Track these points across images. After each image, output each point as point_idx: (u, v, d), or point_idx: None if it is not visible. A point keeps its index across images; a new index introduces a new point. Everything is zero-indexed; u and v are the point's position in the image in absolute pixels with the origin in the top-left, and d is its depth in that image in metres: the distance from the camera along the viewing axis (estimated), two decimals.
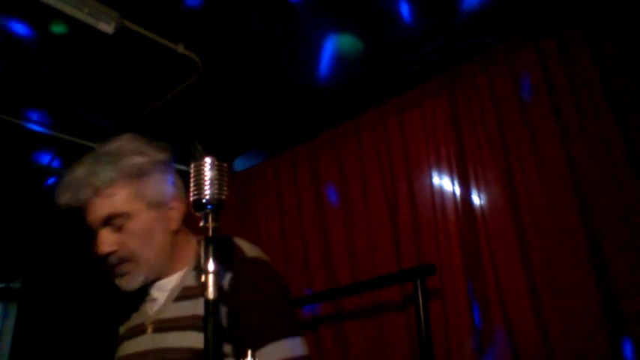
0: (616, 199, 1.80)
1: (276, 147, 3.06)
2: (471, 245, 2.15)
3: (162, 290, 1.20)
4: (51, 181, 3.47)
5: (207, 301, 0.86)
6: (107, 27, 2.01)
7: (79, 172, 1.19)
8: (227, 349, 1.07)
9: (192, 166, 0.93)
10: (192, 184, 0.92)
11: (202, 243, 0.90)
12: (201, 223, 0.91)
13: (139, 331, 1.19)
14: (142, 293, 1.24)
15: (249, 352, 0.87)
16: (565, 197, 1.93)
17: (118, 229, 1.15)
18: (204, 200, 0.90)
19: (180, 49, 2.25)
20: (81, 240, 4.04)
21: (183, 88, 2.51)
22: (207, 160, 0.92)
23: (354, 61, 2.44)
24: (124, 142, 1.29)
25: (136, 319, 1.23)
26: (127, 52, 2.28)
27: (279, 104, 2.77)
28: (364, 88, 2.63)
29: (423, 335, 1.82)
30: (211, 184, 0.90)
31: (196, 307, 1.10)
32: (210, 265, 0.88)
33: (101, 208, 1.15)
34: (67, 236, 4.12)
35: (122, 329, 1.28)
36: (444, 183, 2.30)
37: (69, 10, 1.93)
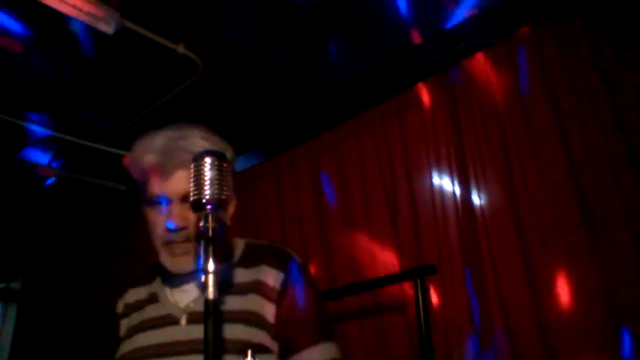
0: (616, 198, 1.80)
1: (276, 147, 3.06)
2: (471, 245, 2.15)
3: (197, 282, 1.19)
4: (50, 181, 3.47)
5: (207, 301, 0.86)
6: (107, 27, 2.01)
7: (172, 140, 1.18)
8: (273, 346, 1.11)
9: (192, 166, 0.93)
10: (192, 184, 0.92)
11: (202, 243, 0.90)
12: (201, 223, 0.91)
13: (167, 322, 1.17)
14: (161, 285, 1.24)
15: (249, 352, 0.87)
16: (565, 197, 1.93)
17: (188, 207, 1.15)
18: (204, 200, 0.90)
19: (180, 49, 2.25)
20: (81, 240, 4.04)
21: (183, 88, 2.51)
22: (207, 160, 0.92)
23: (354, 61, 2.44)
24: (208, 132, 1.28)
25: (157, 311, 1.21)
26: (127, 52, 2.28)
27: (279, 104, 2.77)
28: (364, 88, 2.63)
29: (423, 335, 1.82)
30: (211, 184, 0.90)
31: (239, 302, 1.13)
32: (210, 265, 0.88)
33: (188, 181, 1.13)
34: (67, 236, 4.12)
35: (132, 320, 1.25)
36: (444, 183, 2.30)
37: (69, 10, 1.93)
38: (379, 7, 2.11)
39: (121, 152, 3.02)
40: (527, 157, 2.05)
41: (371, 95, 2.65)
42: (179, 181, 1.15)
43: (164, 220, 1.16)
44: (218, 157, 0.93)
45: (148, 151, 1.19)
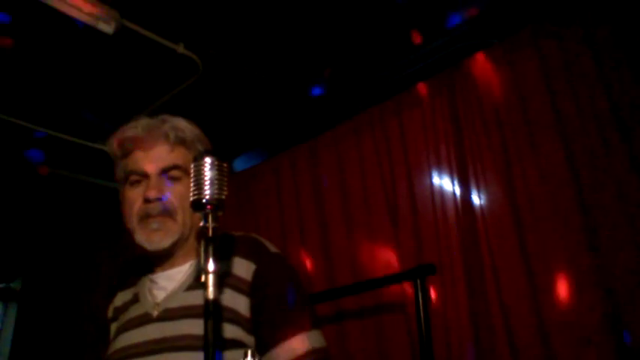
0: (616, 198, 1.80)
1: (276, 147, 3.06)
2: (470, 245, 2.15)
3: (172, 280, 1.19)
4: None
5: (207, 301, 0.86)
6: (107, 27, 2.01)
7: (156, 120, 1.23)
8: (249, 341, 1.09)
9: (192, 166, 0.93)
10: (192, 184, 0.92)
11: (202, 243, 0.90)
12: (201, 223, 0.91)
13: (144, 320, 1.16)
14: (143, 284, 1.24)
15: (249, 352, 0.87)
16: (565, 197, 1.93)
17: (172, 180, 1.17)
18: (204, 200, 0.90)
19: (180, 49, 2.25)
20: (81, 240, 4.04)
21: (183, 88, 2.51)
22: (207, 160, 0.92)
23: (354, 62, 2.44)
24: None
25: (137, 310, 1.21)
26: (127, 52, 2.28)
27: (279, 104, 2.77)
28: (364, 88, 2.63)
29: (423, 335, 1.82)
30: (211, 184, 0.90)
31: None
32: (210, 265, 0.88)
33: (168, 155, 1.18)
34: (67, 236, 4.12)
35: (119, 322, 1.26)
36: (444, 183, 2.30)
37: (69, 10, 1.93)
38: (379, 6, 2.12)
39: None
40: (527, 157, 2.05)
41: (371, 95, 2.65)
42: (159, 154, 1.18)
43: (141, 194, 1.16)
44: (218, 157, 0.93)
45: (131, 127, 1.23)
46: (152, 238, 1.16)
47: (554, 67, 2.04)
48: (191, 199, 0.91)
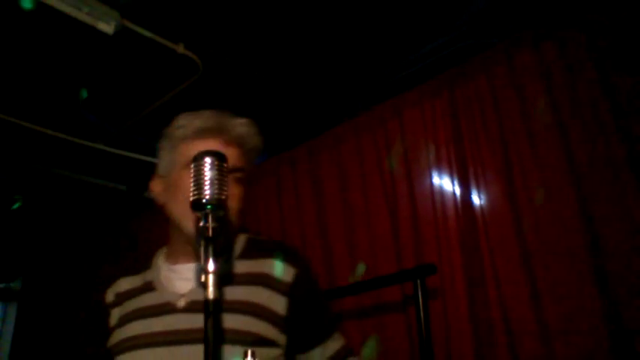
0: (616, 198, 1.80)
1: (276, 147, 3.06)
2: (470, 245, 2.15)
3: (194, 272, 1.18)
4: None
5: (207, 301, 0.86)
6: (107, 27, 2.01)
7: (232, 118, 1.25)
8: (279, 339, 1.11)
9: (192, 166, 0.93)
10: (192, 184, 0.92)
11: (202, 243, 0.90)
12: (201, 223, 0.91)
13: (166, 310, 1.15)
14: (158, 272, 1.23)
15: (249, 352, 0.87)
16: (565, 197, 1.93)
17: (233, 182, 1.16)
18: (204, 200, 0.90)
19: (180, 49, 2.25)
20: (81, 240, 4.04)
21: (183, 88, 2.51)
22: (207, 160, 0.92)
23: (354, 61, 2.44)
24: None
25: (154, 299, 1.19)
26: (127, 52, 2.28)
27: (279, 104, 2.77)
28: (364, 88, 2.63)
29: (423, 335, 1.82)
30: (211, 184, 0.90)
31: (240, 292, 1.13)
32: (210, 265, 0.88)
33: (238, 156, 1.20)
34: (67, 236, 4.12)
35: (125, 308, 1.24)
36: (444, 183, 2.30)
37: (69, 10, 1.93)
38: (379, 6, 2.12)
39: (121, 152, 3.02)
40: (527, 157, 2.05)
41: (371, 95, 2.65)
42: (231, 155, 1.17)
43: None
44: (218, 157, 0.93)
45: (207, 116, 1.23)
46: (205, 230, 1.16)
47: (554, 67, 2.04)
48: (191, 199, 0.91)
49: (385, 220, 2.46)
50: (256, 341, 1.08)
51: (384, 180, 2.51)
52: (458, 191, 2.24)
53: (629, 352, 1.68)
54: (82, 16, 1.95)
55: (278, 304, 1.13)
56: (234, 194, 1.16)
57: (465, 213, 2.19)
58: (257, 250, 1.22)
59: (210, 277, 0.87)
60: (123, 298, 1.26)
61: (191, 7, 2.08)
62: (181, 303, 1.14)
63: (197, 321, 1.07)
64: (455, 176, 2.26)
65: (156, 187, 1.26)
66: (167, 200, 1.21)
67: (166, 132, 1.27)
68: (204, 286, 0.87)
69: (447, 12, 2.17)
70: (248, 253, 1.22)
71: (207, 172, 0.91)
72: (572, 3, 2.03)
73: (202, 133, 1.20)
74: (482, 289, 2.07)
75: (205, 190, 0.90)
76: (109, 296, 1.31)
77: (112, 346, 1.18)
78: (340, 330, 1.22)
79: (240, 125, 1.25)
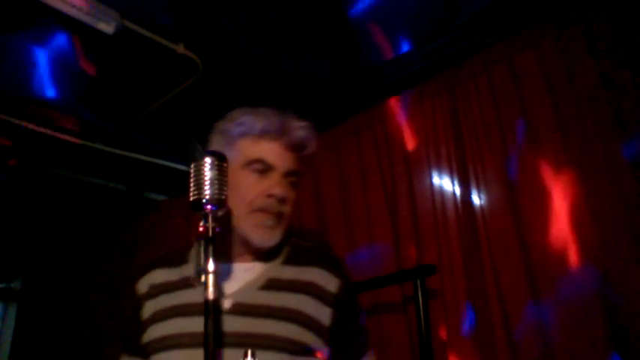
0: (616, 198, 1.80)
1: None
2: (470, 245, 2.15)
3: (241, 273, 1.16)
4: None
5: (207, 301, 0.86)
6: (107, 27, 2.01)
7: (298, 122, 1.25)
8: (322, 350, 1.10)
9: (192, 166, 0.93)
10: (192, 184, 0.92)
11: (202, 243, 0.90)
12: (201, 223, 0.91)
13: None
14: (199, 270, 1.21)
15: (249, 352, 0.87)
16: (565, 197, 1.93)
17: (290, 185, 1.17)
18: (204, 200, 0.90)
19: (180, 49, 2.25)
20: (81, 240, 4.04)
21: (183, 88, 2.51)
22: (207, 160, 0.92)
23: (354, 61, 2.44)
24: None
25: (193, 296, 1.13)
26: (127, 52, 2.28)
27: (279, 104, 2.77)
28: (364, 87, 2.63)
29: (423, 335, 1.82)
30: (211, 184, 0.90)
31: (290, 300, 1.11)
32: (210, 265, 0.88)
33: (298, 161, 1.20)
34: (67, 236, 4.13)
35: (161, 302, 1.18)
36: (444, 183, 2.30)
37: (69, 9, 1.92)
38: (379, 6, 2.11)
39: (121, 152, 3.02)
40: (527, 157, 2.05)
41: (371, 95, 2.65)
42: (292, 156, 1.19)
43: (266, 186, 1.14)
44: (218, 157, 0.94)
45: (272, 116, 1.22)
46: (264, 233, 1.14)
47: (554, 66, 2.04)
48: (191, 199, 0.92)
49: (385, 220, 2.46)
50: (302, 351, 1.07)
51: (384, 180, 2.51)
52: (458, 191, 2.24)
53: (630, 350, 1.68)
54: (82, 16, 1.95)
55: (323, 314, 1.12)
56: (290, 198, 1.16)
57: (465, 213, 2.19)
58: (303, 256, 1.21)
59: (210, 277, 0.87)
60: (158, 290, 1.20)
61: (191, 7, 2.08)
62: (226, 304, 1.11)
63: (244, 325, 1.08)
64: (455, 176, 2.26)
65: None
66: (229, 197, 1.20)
67: (221, 126, 1.25)
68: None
69: (447, 12, 2.16)
70: (294, 259, 1.20)
71: (207, 172, 0.91)
72: (572, 3, 2.03)
73: (265, 134, 1.19)
74: (482, 288, 2.07)
75: (205, 190, 0.90)
76: (142, 287, 1.24)
77: (148, 342, 1.13)
78: (371, 348, 1.21)
79: (302, 129, 1.24)
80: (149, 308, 1.19)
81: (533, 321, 1.91)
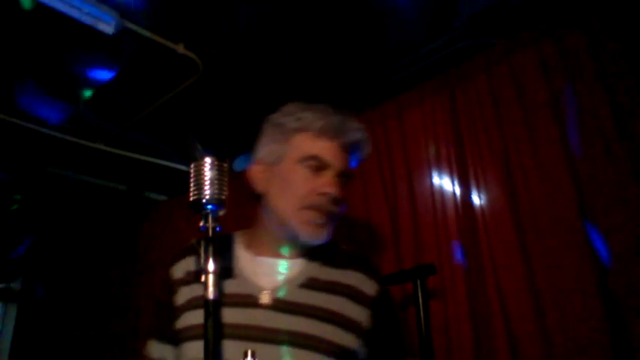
0: (616, 199, 1.80)
1: None
2: (471, 245, 2.15)
3: (283, 268, 1.16)
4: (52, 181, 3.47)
5: (207, 301, 0.86)
6: (107, 27, 2.01)
7: (356, 124, 1.22)
8: (362, 353, 1.10)
9: (192, 166, 0.93)
10: (191, 184, 0.92)
11: (202, 243, 0.90)
12: (201, 224, 0.92)
13: (249, 302, 1.10)
14: (238, 260, 1.18)
15: (249, 352, 0.87)
16: (565, 197, 1.93)
17: (344, 185, 1.17)
18: (204, 200, 0.90)
19: (180, 49, 2.25)
20: (81, 240, 4.04)
21: (183, 88, 2.51)
22: (207, 160, 0.92)
23: (354, 61, 2.44)
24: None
25: (233, 287, 1.12)
26: (127, 52, 2.28)
27: (279, 104, 2.77)
28: (364, 88, 2.63)
29: (423, 335, 1.82)
30: (211, 184, 0.91)
31: (330, 302, 1.11)
32: (210, 265, 0.88)
33: (351, 163, 1.20)
34: (67, 236, 4.13)
35: (196, 291, 1.15)
36: (444, 183, 2.30)
37: (69, 9, 1.92)
38: (379, 7, 2.12)
39: (121, 152, 3.02)
40: (528, 157, 2.05)
41: (371, 95, 2.65)
42: (348, 157, 1.18)
43: (319, 184, 1.13)
44: (218, 157, 0.94)
45: (322, 115, 1.20)
46: (314, 231, 1.13)
47: (554, 67, 2.04)
48: (191, 199, 0.92)
49: (385, 220, 2.46)
50: (342, 353, 1.06)
51: (384, 180, 2.51)
52: (458, 191, 2.24)
53: (629, 347, 1.68)
54: (82, 16, 1.95)
55: (362, 316, 1.12)
56: (342, 198, 1.16)
57: (465, 213, 2.19)
58: (343, 259, 1.21)
59: (210, 277, 0.87)
60: (194, 277, 1.17)
61: (191, 7, 2.08)
62: (265, 299, 1.10)
63: (284, 321, 1.07)
64: (455, 176, 2.26)
65: (257, 174, 1.22)
66: (269, 190, 1.18)
67: (276, 119, 1.25)
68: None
69: (447, 12, 2.17)
70: (335, 261, 1.20)
71: (207, 172, 0.91)
72: (572, 3, 2.03)
73: (323, 132, 1.17)
74: (482, 288, 2.07)
75: (205, 190, 0.90)
76: (178, 272, 1.22)
77: (181, 329, 1.11)
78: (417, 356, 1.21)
79: (357, 130, 1.22)
80: (184, 294, 1.16)
81: (533, 320, 1.91)
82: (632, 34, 1.86)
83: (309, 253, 1.18)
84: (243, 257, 1.19)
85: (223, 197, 0.92)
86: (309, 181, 1.14)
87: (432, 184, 2.33)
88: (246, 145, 3.25)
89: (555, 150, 1.98)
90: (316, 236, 1.13)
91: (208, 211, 0.91)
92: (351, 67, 2.50)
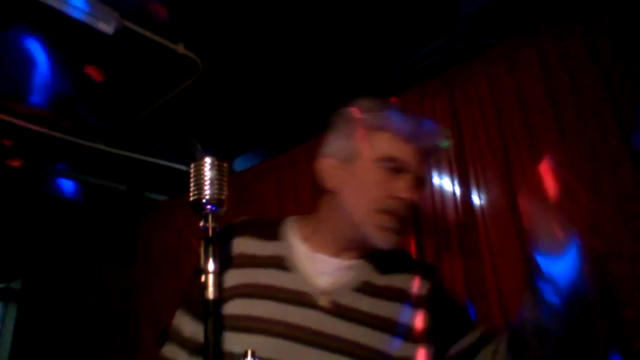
0: (616, 199, 1.80)
1: (276, 147, 3.06)
2: (471, 245, 2.15)
3: (338, 269, 1.10)
4: (53, 181, 3.47)
5: (207, 301, 0.86)
6: (107, 27, 2.01)
7: (437, 128, 1.18)
8: (414, 353, 1.06)
9: (192, 166, 0.93)
10: (191, 184, 0.92)
11: (202, 243, 0.90)
12: (201, 224, 0.92)
13: (305, 302, 1.04)
14: (293, 252, 1.12)
15: (249, 352, 0.87)
16: (565, 197, 1.92)
17: (418, 190, 1.12)
18: (204, 200, 0.90)
19: (180, 49, 2.25)
20: (81, 240, 4.04)
21: (183, 88, 2.51)
22: (207, 160, 0.92)
23: (354, 61, 2.44)
24: None
25: (288, 282, 1.06)
26: (127, 52, 2.28)
27: (279, 104, 2.77)
28: (364, 88, 2.63)
29: None
30: (211, 184, 0.91)
31: (383, 308, 1.07)
32: (210, 265, 0.88)
33: (427, 171, 1.17)
34: (67, 236, 4.13)
35: (248, 276, 1.08)
36: (444, 183, 2.30)
37: (69, 10, 1.92)
38: (378, 7, 2.12)
39: (121, 152, 3.02)
40: (527, 157, 2.05)
41: (371, 95, 2.64)
42: (423, 166, 1.12)
43: (396, 188, 1.07)
44: (218, 157, 0.94)
45: (404, 116, 1.14)
46: (386, 236, 1.07)
47: (554, 66, 2.04)
48: (191, 199, 0.92)
49: None
50: None
51: None
52: (458, 191, 2.24)
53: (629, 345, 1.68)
54: (82, 15, 1.95)
55: (418, 320, 1.08)
56: (416, 204, 1.11)
57: (465, 213, 2.19)
58: (396, 262, 1.16)
59: (210, 277, 0.87)
60: (247, 261, 1.10)
61: (191, 7, 2.08)
62: (323, 301, 1.05)
63: (345, 329, 1.02)
64: (455, 176, 2.26)
65: (328, 169, 1.16)
66: (341, 188, 1.12)
67: (352, 114, 1.19)
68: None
69: (447, 12, 2.17)
70: (388, 265, 1.15)
71: (207, 172, 0.91)
72: (572, 3, 2.03)
73: (403, 134, 1.11)
74: (482, 288, 2.07)
75: (205, 190, 0.90)
76: (229, 249, 1.13)
77: (227, 315, 1.03)
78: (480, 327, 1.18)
79: (437, 136, 1.18)
80: (233, 277, 1.08)
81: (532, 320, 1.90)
82: (632, 34, 1.86)
83: (367, 255, 1.13)
84: (300, 250, 1.12)
85: (223, 197, 0.92)
86: (384, 184, 1.08)
87: (432, 184, 2.33)
88: (246, 145, 3.27)
89: (555, 150, 1.98)
90: (388, 242, 1.07)
91: (208, 211, 0.91)
92: (351, 67, 2.50)
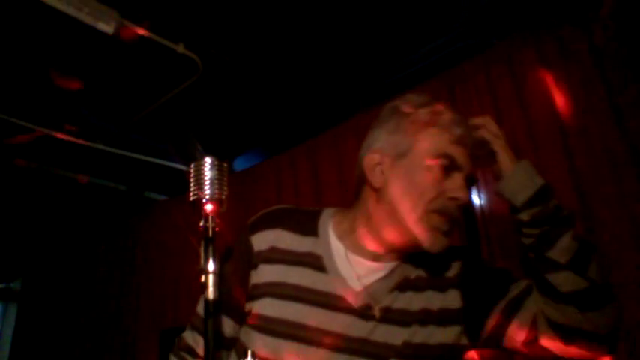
0: (616, 199, 1.80)
1: (276, 147, 3.07)
2: (470, 245, 2.14)
3: (380, 273, 1.05)
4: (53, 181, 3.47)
5: (207, 301, 0.86)
6: (107, 27, 2.01)
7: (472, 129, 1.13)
8: (462, 339, 1.03)
9: (192, 166, 0.93)
10: (192, 184, 0.92)
11: (202, 243, 0.90)
12: (201, 223, 0.91)
13: (341, 306, 0.99)
14: (329, 251, 1.06)
15: (249, 352, 0.87)
16: (565, 197, 1.92)
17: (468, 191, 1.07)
18: (204, 200, 0.90)
19: (180, 49, 2.25)
20: (81, 240, 4.04)
21: (183, 88, 2.51)
22: (207, 160, 0.92)
23: (354, 61, 2.44)
24: None
25: (323, 284, 1.01)
26: (127, 52, 2.28)
27: (279, 104, 2.77)
28: (364, 87, 2.63)
29: None
30: (211, 184, 0.90)
31: (424, 300, 1.03)
32: (210, 265, 0.88)
33: (471, 172, 1.08)
34: (67, 236, 4.13)
35: (281, 273, 1.03)
36: None
37: (69, 10, 1.92)
38: (378, 7, 2.12)
39: (121, 152, 3.02)
40: (527, 157, 2.05)
41: (371, 95, 2.65)
42: (471, 163, 1.07)
43: (450, 188, 1.01)
44: (217, 157, 0.94)
45: (458, 118, 1.08)
46: (436, 238, 1.00)
47: (554, 66, 2.04)
48: (191, 199, 0.91)
49: None
50: (448, 351, 1.00)
51: None
52: None
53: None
54: (82, 16, 1.95)
55: (451, 300, 1.03)
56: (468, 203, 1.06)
57: (465, 213, 2.19)
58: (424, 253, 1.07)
59: (211, 277, 0.87)
60: (280, 256, 1.04)
61: (191, 7, 2.08)
62: (357, 305, 1.00)
63: (387, 334, 0.97)
64: None
65: (376, 166, 1.07)
66: (389, 186, 1.04)
67: (402, 108, 1.12)
68: (204, 286, 0.84)
69: (447, 12, 2.17)
70: (423, 260, 1.09)
71: (207, 172, 0.91)
72: (572, 2, 2.03)
73: (455, 131, 1.05)
74: None
75: (205, 190, 0.90)
76: (262, 243, 1.06)
77: (255, 315, 1.00)
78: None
79: (481, 137, 1.13)
80: (264, 273, 1.03)
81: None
82: (631, 33, 1.86)
83: (406, 257, 1.07)
84: (337, 249, 1.05)
85: (223, 197, 0.92)
86: (438, 183, 1.00)
87: None
88: (246, 145, 3.27)
89: (555, 149, 1.98)
90: (438, 245, 1.00)
91: (208, 211, 0.91)
92: (351, 67, 2.50)
